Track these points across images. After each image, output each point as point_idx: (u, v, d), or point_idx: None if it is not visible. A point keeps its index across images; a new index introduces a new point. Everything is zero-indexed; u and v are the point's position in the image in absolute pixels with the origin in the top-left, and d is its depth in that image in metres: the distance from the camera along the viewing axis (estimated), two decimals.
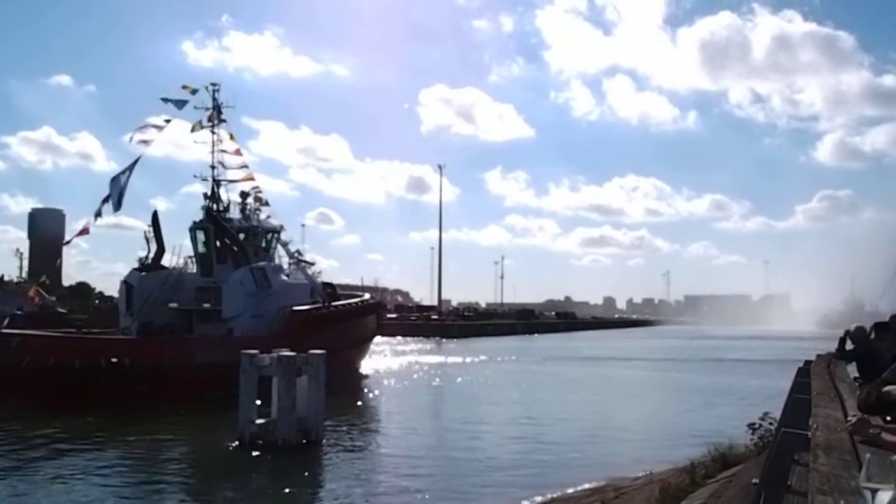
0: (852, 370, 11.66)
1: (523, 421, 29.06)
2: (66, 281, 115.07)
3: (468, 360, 60.40)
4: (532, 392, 39.46)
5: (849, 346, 12.65)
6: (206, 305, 38.69)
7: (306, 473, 19.95)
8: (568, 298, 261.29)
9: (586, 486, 17.88)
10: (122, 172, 40.33)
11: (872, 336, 11.75)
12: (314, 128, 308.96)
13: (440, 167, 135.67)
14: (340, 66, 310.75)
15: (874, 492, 2.70)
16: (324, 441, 23.21)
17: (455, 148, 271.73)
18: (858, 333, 12.26)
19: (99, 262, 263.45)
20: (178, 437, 25.13)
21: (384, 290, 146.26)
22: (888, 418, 5.57)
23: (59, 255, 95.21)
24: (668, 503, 12.83)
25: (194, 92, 40.83)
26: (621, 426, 28.84)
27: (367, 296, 53.23)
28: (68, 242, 42.81)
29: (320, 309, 41.08)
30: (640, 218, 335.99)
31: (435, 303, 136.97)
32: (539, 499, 17.07)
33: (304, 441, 22.67)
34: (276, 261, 42.52)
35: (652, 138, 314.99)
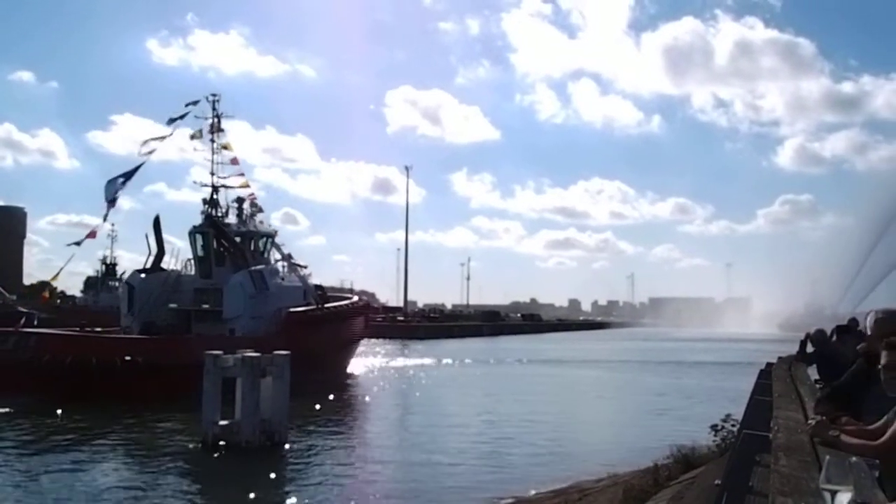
0: (813, 372, 11.83)
1: (488, 423, 29.08)
2: (27, 280, 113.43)
3: (434, 361, 60.37)
4: (497, 394, 39.52)
5: (809, 348, 12.85)
6: (206, 306, 40.38)
7: (269, 476, 19.75)
8: (533, 300, 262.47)
9: (550, 487, 17.94)
10: (120, 177, 42.78)
11: (833, 339, 11.94)
12: (280, 128, 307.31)
13: (407, 168, 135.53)
14: (306, 66, 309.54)
15: (833, 493, 2.72)
16: (288, 443, 23.04)
17: (421, 149, 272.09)
18: (818, 336, 12.44)
19: (60, 260, 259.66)
20: (140, 438, 24.81)
21: (350, 291, 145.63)
22: (844, 418, 5.65)
23: (20, 253, 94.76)
24: None
25: (195, 103, 42.83)
26: (585, 428, 29.01)
27: (355, 298, 54.66)
28: (79, 243, 44.92)
29: (314, 311, 42.89)
30: (605, 221, 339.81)
31: (401, 304, 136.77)
32: (503, 501, 17.11)
33: (269, 443, 22.44)
34: (272, 264, 44.43)
35: (616, 142, 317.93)
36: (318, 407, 30.43)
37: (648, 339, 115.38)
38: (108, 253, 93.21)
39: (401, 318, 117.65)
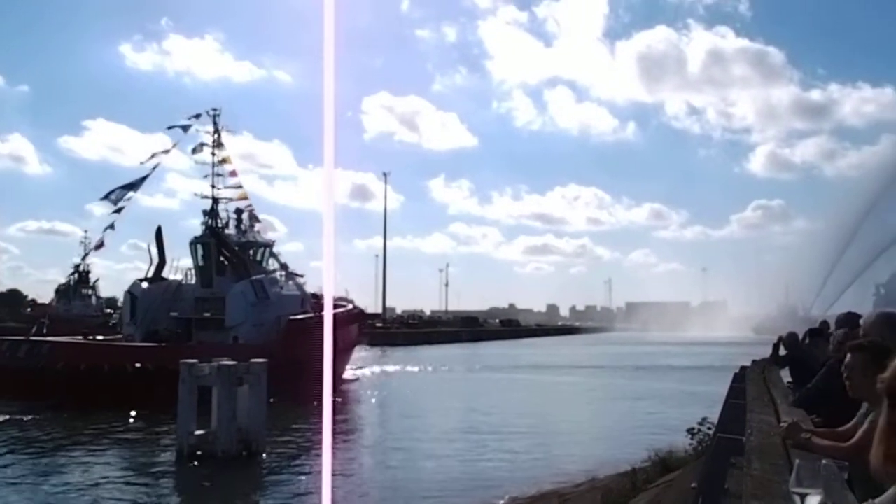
0: (786, 375, 11.95)
1: (467, 430, 29.06)
2: None
3: (413, 368, 60.27)
4: (476, 400, 39.51)
5: (782, 351, 12.96)
6: (207, 314, 41.82)
7: (246, 487, 19.63)
8: (512, 306, 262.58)
9: (529, 493, 17.96)
10: (123, 188, 44.40)
11: (806, 341, 12.05)
12: (256, 133, 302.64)
13: (385, 175, 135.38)
14: (283, 71, 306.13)
15: (803, 496, 2.75)
16: (266, 453, 22.88)
17: (398, 156, 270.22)
18: (791, 339, 12.57)
19: (31, 268, 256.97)
20: (115, 447, 24.59)
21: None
22: (817, 419, 5.72)
23: None
24: None
25: (197, 116, 44.62)
26: (564, 433, 29.05)
27: (350, 306, 55.26)
28: (85, 256, 46.16)
29: (313, 318, 43.00)
30: (582, 226, 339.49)
31: (379, 310, 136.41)
32: None
33: (246, 453, 22.27)
34: (270, 273, 45.88)
35: (592, 148, 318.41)
36: (297, 415, 30.28)
37: (625, 343, 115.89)
38: (80, 260, 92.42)
39: (379, 325, 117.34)
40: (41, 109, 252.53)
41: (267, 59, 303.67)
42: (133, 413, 29.42)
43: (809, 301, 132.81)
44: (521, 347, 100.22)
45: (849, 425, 4.52)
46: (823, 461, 2.96)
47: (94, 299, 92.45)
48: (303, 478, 20.62)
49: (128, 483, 19.82)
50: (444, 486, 19.54)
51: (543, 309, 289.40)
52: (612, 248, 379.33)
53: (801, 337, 12.32)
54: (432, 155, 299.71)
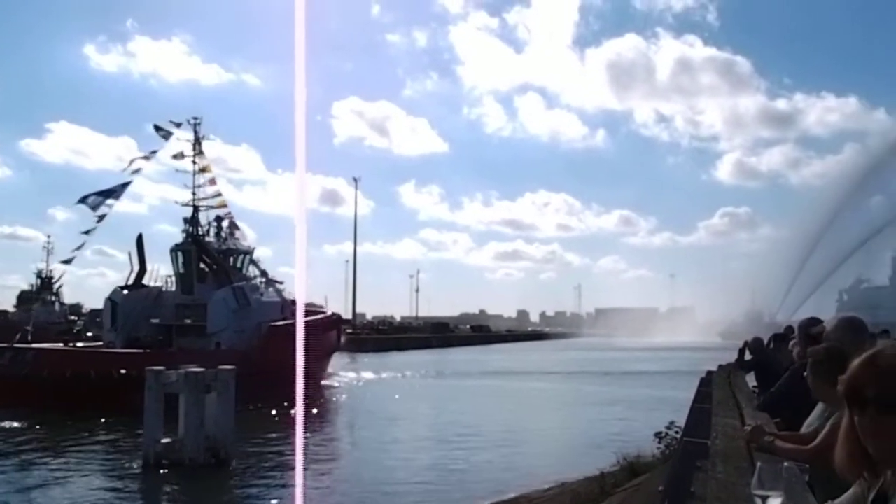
0: (751, 379, 12.09)
1: (437, 435, 29.06)
2: None
3: (383, 374, 60.10)
4: (445, 406, 39.54)
5: (748, 356, 13.12)
6: (188, 321, 42.31)
7: (212, 496, 19.44)
8: (482, 312, 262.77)
9: (499, 497, 17.99)
10: (100, 194, 43.64)
11: (771, 346, 12.20)
12: (224, 138, 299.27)
13: (355, 180, 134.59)
14: (252, 75, 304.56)
15: (764, 498, 2.79)
16: (234, 460, 22.68)
17: (369, 161, 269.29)
18: (755, 344, 12.72)
19: None
20: (81, 456, 24.23)
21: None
22: (781, 422, 5.80)
23: None
24: None
25: (178, 125, 45.03)
26: (533, 438, 29.14)
27: (329, 312, 56.44)
28: (69, 262, 46.59)
29: (293, 324, 42.34)
30: (552, 233, 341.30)
31: (349, 316, 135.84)
32: None
33: (214, 461, 22.08)
34: (250, 280, 46.72)
35: (562, 155, 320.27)
36: (270, 422, 30.05)
37: (594, 349, 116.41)
38: (43, 266, 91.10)
39: (349, 331, 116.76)
40: (2, 111, 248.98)
41: (236, 63, 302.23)
42: (103, 420, 29.19)
43: (775, 307, 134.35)
44: (491, 353, 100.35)
45: (811, 428, 4.59)
46: (785, 463, 2.99)
47: (57, 306, 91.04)
48: (271, 487, 20.49)
49: (90, 489, 19.56)
50: (414, 492, 19.51)
51: (513, 315, 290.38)
52: (582, 254, 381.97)
53: (766, 342, 12.47)
54: (403, 160, 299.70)
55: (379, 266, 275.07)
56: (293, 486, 20.63)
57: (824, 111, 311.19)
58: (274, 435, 28.81)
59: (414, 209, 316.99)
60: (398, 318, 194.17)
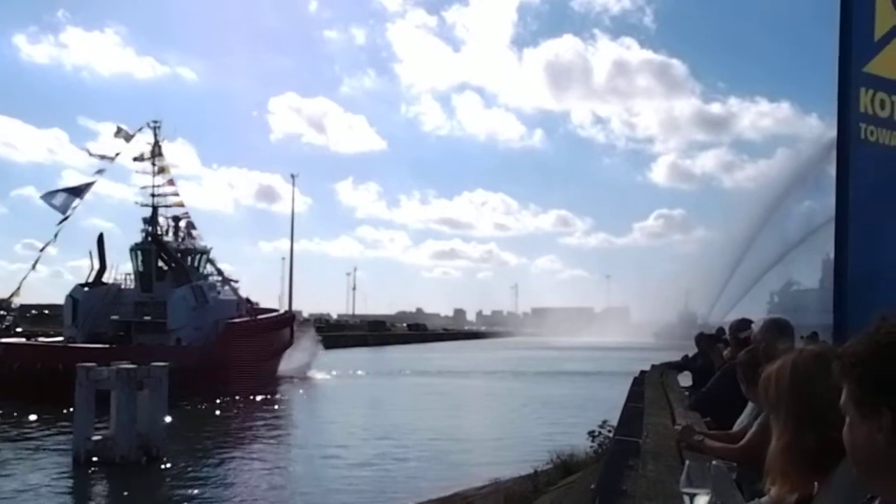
0: (684, 379, 12.36)
1: (373, 434, 28.95)
2: None
3: (318, 373, 59.61)
4: (381, 405, 39.43)
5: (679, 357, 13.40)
6: (147, 318, 44.02)
7: (141, 494, 19.07)
8: (419, 310, 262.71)
9: (434, 496, 18.04)
10: (64, 191, 46.28)
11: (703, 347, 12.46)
12: (159, 132, 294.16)
13: (293, 177, 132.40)
14: (187, 69, 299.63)
15: (692, 496, 2.85)
16: (166, 458, 22.31)
17: (306, 157, 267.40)
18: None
19: None
20: (10, 453, 23.57)
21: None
22: (711, 421, 5.95)
23: None
24: None
25: (140, 130, 47.49)
26: (470, 437, 29.26)
27: (282, 310, 60.66)
28: (34, 266, 48.41)
29: (249, 322, 47.46)
30: (489, 232, 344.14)
31: None
32: None
33: (145, 458, 21.71)
34: (207, 279, 48.80)
35: (500, 154, 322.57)
36: (210, 418, 29.73)
37: (531, 348, 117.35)
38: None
39: None
40: None
41: (171, 56, 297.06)
42: (45, 416, 29.06)
43: (707, 308, 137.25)
44: (427, 352, 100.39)
45: (741, 427, 4.71)
46: (713, 462, 3.06)
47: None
48: (202, 485, 20.21)
49: (17, 491, 19.02)
50: (349, 491, 19.45)
51: (450, 313, 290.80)
52: (519, 253, 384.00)
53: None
54: (340, 157, 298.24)
55: (316, 263, 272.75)
56: (224, 483, 20.43)
57: (758, 116, 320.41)
58: (210, 431, 28.52)
59: (351, 207, 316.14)
60: (335, 316, 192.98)
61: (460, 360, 78.67)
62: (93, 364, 23.36)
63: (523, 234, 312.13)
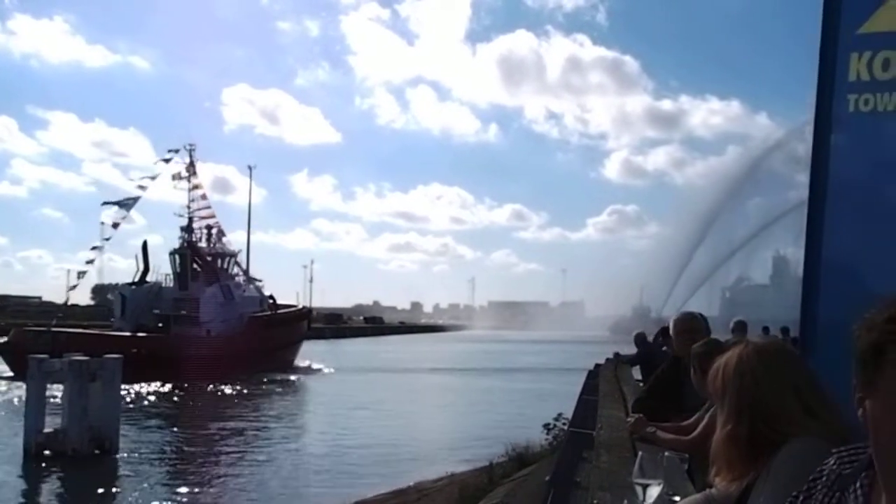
0: (637, 372, 12.55)
1: (328, 428, 28.90)
2: None
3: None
4: (337, 399, 39.30)
5: (634, 350, 13.61)
6: (183, 312, 51.78)
7: (96, 486, 18.82)
8: (376, 303, 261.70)
9: (390, 488, 18.07)
10: (115, 203, 54.78)
11: (660, 340, 12.70)
12: (110, 121, 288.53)
13: (250, 168, 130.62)
14: (139, 57, 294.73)
15: (645, 486, 2.93)
16: (119, 450, 22.03)
17: (260, 149, 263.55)
18: (639, 338, 13.20)
19: None
20: None
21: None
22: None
23: None
24: (467, 503, 13.22)
25: (176, 151, 55.81)
26: (426, 431, 29.32)
27: (299, 305, 70.39)
28: (74, 288, 56.68)
29: (270, 316, 57.23)
30: (445, 225, 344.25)
31: None
32: None
33: (98, 451, 21.44)
34: (235, 278, 57.34)
35: (455, 148, 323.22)
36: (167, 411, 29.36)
37: (487, 341, 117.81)
38: None
39: None
40: None
41: (122, 45, 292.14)
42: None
43: (661, 302, 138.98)
44: (384, 344, 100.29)
45: (692, 420, 4.82)
46: (666, 453, 3.13)
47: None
48: (154, 477, 19.99)
49: None
50: (305, 483, 19.42)
51: (407, 307, 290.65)
52: (475, 247, 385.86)
53: (653, 336, 12.96)
54: (295, 149, 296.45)
55: (271, 256, 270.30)
56: (174, 476, 20.25)
57: (708, 113, 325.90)
58: (164, 424, 28.21)
59: (306, 199, 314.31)
60: None
61: (417, 353, 78.71)
62: (45, 356, 22.93)
63: (479, 228, 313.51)
